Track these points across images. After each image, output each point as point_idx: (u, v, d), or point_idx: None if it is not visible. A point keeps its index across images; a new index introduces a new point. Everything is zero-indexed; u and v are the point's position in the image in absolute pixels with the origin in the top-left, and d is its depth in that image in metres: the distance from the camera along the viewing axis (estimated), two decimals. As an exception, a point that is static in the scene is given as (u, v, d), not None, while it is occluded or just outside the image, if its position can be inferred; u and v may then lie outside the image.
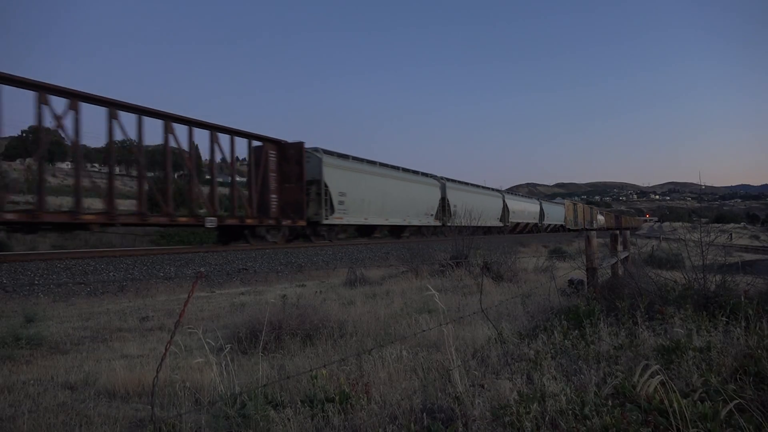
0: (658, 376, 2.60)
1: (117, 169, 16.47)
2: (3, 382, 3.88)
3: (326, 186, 19.89)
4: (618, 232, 8.11)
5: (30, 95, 11.83)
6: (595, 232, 6.82)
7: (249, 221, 17.11)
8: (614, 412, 2.37)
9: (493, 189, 39.42)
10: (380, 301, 7.26)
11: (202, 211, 16.27)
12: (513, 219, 39.55)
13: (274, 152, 18.46)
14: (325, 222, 20.03)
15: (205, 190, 16.69)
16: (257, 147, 18.20)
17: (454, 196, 30.30)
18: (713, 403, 2.41)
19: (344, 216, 20.91)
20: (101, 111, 13.40)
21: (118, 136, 13.78)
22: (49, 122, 12.16)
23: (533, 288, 7.09)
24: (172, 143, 15.10)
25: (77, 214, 12.54)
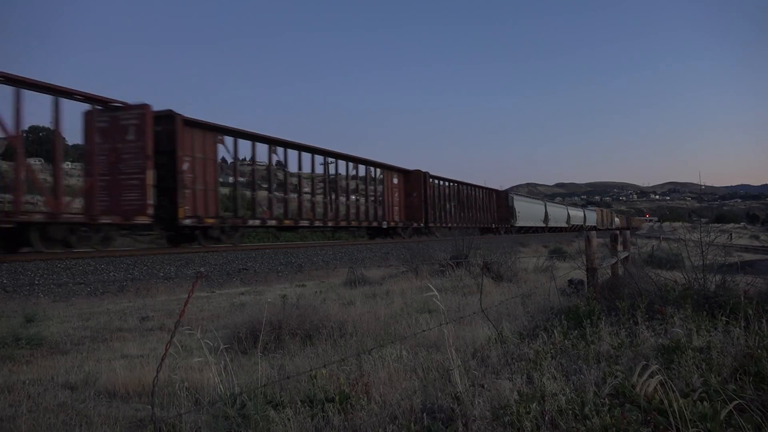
0: (658, 376, 2.59)
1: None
2: (3, 382, 3.88)
3: (514, 208, 42.49)
4: (618, 232, 8.12)
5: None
6: (595, 232, 6.84)
7: (495, 225, 39.54)
8: (614, 412, 2.37)
9: (560, 204, 69.98)
10: (380, 301, 7.26)
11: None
12: (571, 222, 61.72)
13: (494, 193, 41.64)
14: (515, 225, 42.02)
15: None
16: (488, 190, 40.36)
17: (549, 209, 53.55)
18: (713, 403, 2.41)
19: (520, 222, 43.42)
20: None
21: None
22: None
23: (533, 288, 7.09)
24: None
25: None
